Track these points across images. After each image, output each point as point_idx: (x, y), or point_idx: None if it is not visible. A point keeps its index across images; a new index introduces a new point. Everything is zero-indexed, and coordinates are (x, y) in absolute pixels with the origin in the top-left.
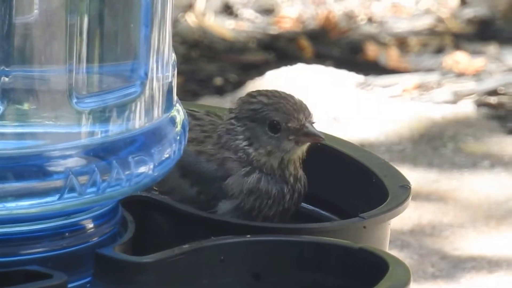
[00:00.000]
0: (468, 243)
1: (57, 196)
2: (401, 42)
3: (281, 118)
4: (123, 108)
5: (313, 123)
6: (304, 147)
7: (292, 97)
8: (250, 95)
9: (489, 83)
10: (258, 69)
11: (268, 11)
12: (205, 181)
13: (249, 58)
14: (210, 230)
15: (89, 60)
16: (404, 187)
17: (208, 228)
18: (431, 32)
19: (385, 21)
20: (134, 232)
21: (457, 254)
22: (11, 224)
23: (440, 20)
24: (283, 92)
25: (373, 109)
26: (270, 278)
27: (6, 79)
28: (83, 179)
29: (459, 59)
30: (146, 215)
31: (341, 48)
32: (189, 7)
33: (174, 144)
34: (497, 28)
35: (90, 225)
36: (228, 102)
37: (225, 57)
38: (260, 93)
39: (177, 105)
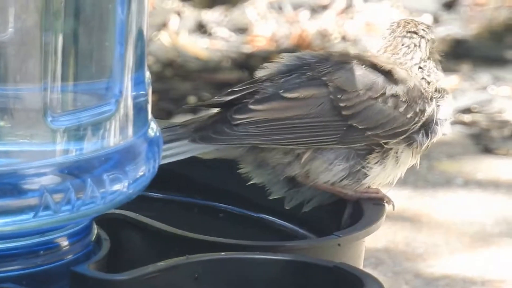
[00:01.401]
0: (442, 260)
1: (32, 214)
2: None
3: None
4: (97, 126)
5: None
6: None
7: None
8: None
9: (462, 101)
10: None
11: (241, 30)
12: None
13: (222, 77)
14: (185, 247)
15: (64, 78)
16: (378, 205)
17: (182, 246)
18: None
19: (358, 39)
20: (109, 249)
21: (431, 272)
22: None
23: None
24: None
25: None
26: None
27: None
28: (58, 197)
29: None
30: (121, 233)
31: None
32: (163, 26)
33: (148, 162)
34: (470, 46)
35: (64, 243)
36: None
37: (199, 76)
38: None
39: (152, 123)
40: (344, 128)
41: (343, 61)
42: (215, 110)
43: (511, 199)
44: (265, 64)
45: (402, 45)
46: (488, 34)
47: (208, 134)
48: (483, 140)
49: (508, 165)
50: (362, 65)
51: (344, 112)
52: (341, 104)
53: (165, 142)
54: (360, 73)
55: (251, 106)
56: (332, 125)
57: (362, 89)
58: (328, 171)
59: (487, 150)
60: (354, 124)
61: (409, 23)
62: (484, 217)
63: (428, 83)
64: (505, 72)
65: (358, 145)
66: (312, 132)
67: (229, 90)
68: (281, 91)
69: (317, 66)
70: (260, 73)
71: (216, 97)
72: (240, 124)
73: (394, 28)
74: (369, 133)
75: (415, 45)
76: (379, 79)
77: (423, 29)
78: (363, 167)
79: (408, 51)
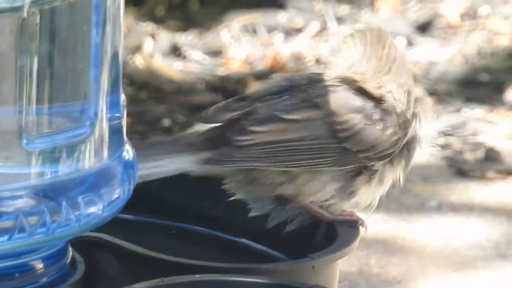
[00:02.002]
0: (416, 283)
1: (6, 237)
2: None
3: None
4: (72, 148)
5: None
6: None
7: None
8: None
9: (436, 124)
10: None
11: (216, 53)
12: None
13: (197, 99)
14: (160, 270)
15: (39, 101)
16: (353, 227)
17: (157, 268)
18: None
19: (332, 62)
20: (84, 272)
21: None
22: None
23: None
24: None
25: None
26: None
27: None
28: (32, 219)
29: None
30: (96, 255)
31: None
32: (137, 48)
33: (123, 185)
34: (443, 69)
35: (39, 265)
36: None
37: (173, 98)
38: None
39: (127, 145)
40: (340, 151)
41: (333, 84)
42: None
43: (484, 222)
44: (254, 84)
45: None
46: (461, 57)
47: (214, 156)
48: (456, 162)
49: (481, 188)
50: (352, 89)
51: (339, 135)
52: (337, 127)
53: (163, 156)
54: (350, 96)
55: (251, 128)
56: (329, 148)
57: (354, 112)
58: (320, 192)
59: (461, 172)
60: (348, 147)
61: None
62: (458, 241)
63: (409, 102)
64: (478, 95)
65: (350, 167)
66: (311, 154)
67: (216, 107)
68: (278, 112)
69: (308, 88)
70: (249, 92)
71: (206, 113)
72: (243, 147)
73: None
74: (361, 155)
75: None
76: (368, 104)
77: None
78: (352, 188)
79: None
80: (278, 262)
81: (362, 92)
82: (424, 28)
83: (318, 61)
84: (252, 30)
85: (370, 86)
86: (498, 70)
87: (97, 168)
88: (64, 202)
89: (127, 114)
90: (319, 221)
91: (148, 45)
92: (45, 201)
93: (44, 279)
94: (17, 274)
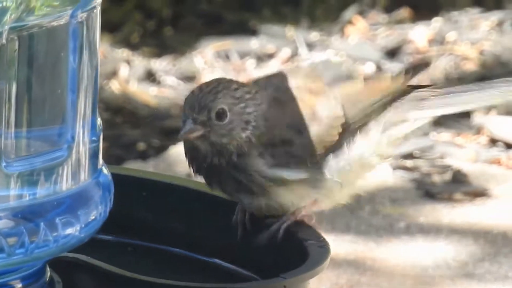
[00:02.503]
0: None
1: None
2: None
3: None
4: (50, 171)
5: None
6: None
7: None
8: None
9: (404, 148)
10: None
11: (189, 78)
12: None
13: (171, 123)
14: None
15: (17, 125)
16: (323, 247)
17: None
18: None
19: None
20: None
21: None
22: None
23: None
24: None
25: None
26: None
27: None
28: (11, 240)
29: None
30: (73, 275)
31: None
32: (113, 74)
33: (100, 206)
34: None
35: (18, 285)
36: (151, 166)
37: (148, 122)
38: None
39: (103, 168)
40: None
41: None
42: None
43: (451, 243)
44: None
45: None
46: (429, 81)
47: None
48: (425, 185)
49: (449, 210)
50: None
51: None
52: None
53: None
54: None
55: None
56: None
57: None
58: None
59: (429, 194)
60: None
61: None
62: (426, 261)
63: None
64: (445, 119)
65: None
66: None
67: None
68: None
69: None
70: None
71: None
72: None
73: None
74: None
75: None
76: None
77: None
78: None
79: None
80: (250, 282)
81: None
82: (393, 53)
83: None
84: (225, 56)
85: None
86: None
87: (74, 190)
88: (42, 224)
89: (104, 138)
90: (291, 241)
91: (123, 71)
92: (24, 222)
93: None
94: None
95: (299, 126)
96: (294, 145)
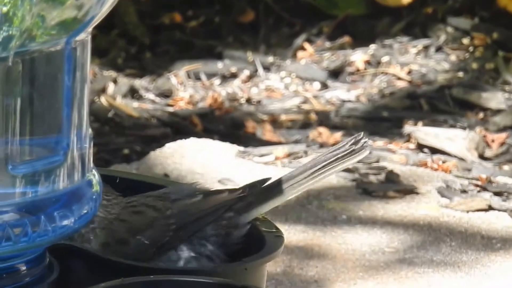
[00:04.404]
0: (330, 282)
1: None
2: (274, 119)
3: None
4: (49, 173)
5: None
6: None
7: None
8: None
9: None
10: (159, 142)
11: (166, 95)
12: None
13: (151, 132)
14: (121, 272)
15: (21, 134)
16: (278, 236)
17: (119, 270)
18: (299, 110)
19: (261, 101)
20: (59, 273)
21: None
22: None
23: (306, 100)
24: None
25: (251, 174)
26: None
27: None
28: (17, 230)
29: (321, 132)
30: (68, 260)
31: (226, 124)
32: (102, 91)
33: (91, 202)
34: (351, 107)
35: (23, 268)
36: (133, 168)
37: (131, 132)
38: None
39: (93, 170)
40: None
41: None
42: None
43: (385, 233)
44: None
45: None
46: (366, 97)
47: None
48: (363, 184)
49: (383, 204)
50: None
51: None
52: None
53: None
54: None
55: None
56: None
57: None
58: None
59: (366, 192)
60: None
61: None
62: (364, 247)
63: None
64: (380, 129)
65: None
66: None
67: None
68: None
69: None
70: None
71: None
72: None
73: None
74: None
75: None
76: None
77: None
78: None
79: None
80: (217, 264)
81: None
82: (336, 74)
83: (248, 101)
84: (195, 76)
85: None
86: (396, 108)
87: (69, 189)
88: (42, 217)
89: (94, 145)
90: (252, 231)
91: (110, 88)
92: (27, 215)
93: (27, 279)
94: (4, 275)
95: (136, 231)
96: (129, 245)
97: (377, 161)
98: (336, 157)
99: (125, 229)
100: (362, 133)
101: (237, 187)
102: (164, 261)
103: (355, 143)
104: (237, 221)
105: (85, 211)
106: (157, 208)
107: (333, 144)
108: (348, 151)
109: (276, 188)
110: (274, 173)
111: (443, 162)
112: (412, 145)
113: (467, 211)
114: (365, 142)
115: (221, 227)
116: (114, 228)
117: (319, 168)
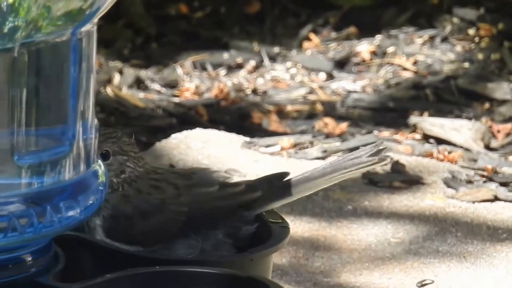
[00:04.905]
0: (336, 272)
1: (2, 235)
2: (280, 110)
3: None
4: (55, 163)
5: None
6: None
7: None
8: None
9: (351, 143)
10: (164, 132)
11: (171, 85)
12: None
13: (156, 123)
14: (127, 262)
15: (27, 124)
16: (284, 227)
17: (125, 261)
18: (305, 101)
19: (267, 92)
20: (65, 264)
21: (327, 281)
22: None
23: (311, 91)
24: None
25: (257, 164)
26: None
27: None
28: (23, 221)
29: (327, 123)
30: (74, 250)
31: (231, 114)
32: (108, 81)
33: (96, 193)
34: (357, 98)
35: (29, 258)
36: None
37: (137, 122)
38: None
39: (99, 161)
40: None
41: None
42: None
43: (391, 223)
44: None
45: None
46: (372, 87)
47: None
48: (369, 174)
49: (388, 195)
50: None
51: None
52: None
53: None
54: None
55: None
56: None
57: None
58: None
59: (372, 182)
60: None
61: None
62: (369, 238)
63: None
64: (386, 119)
65: None
66: None
67: None
68: None
69: None
70: None
71: None
72: None
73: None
74: None
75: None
76: None
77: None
78: None
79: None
80: (223, 255)
81: None
82: (342, 64)
83: (254, 91)
84: (201, 67)
85: None
86: (402, 99)
87: (75, 179)
88: (48, 207)
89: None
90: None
91: (116, 79)
92: (33, 206)
93: (33, 269)
94: (10, 265)
95: (144, 211)
96: (135, 228)
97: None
98: (356, 167)
99: (132, 208)
100: (383, 142)
101: (253, 180)
102: (170, 249)
103: (376, 153)
104: (249, 217)
105: (91, 202)
106: (177, 187)
107: (339, 135)
108: (368, 163)
109: (293, 187)
110: (280, 164)
111: (449, 152)
112: (418, 136)
113: (473, 202)
114: (385, 150)
115: (232, 222)
116: (128, 193)
117: (338, 175)
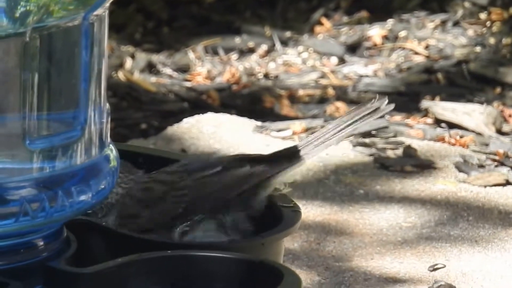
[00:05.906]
0: (348, 256)
1: (13, 220)
2: (292, 94)
3: None
4: (66, 148)
5: None
6: None
7: None
8: None
9: (364, 127)
10: (176, 117)
11: (183, 70)
12: None
13: (168, 107)
14: (138, 247)
15: (39, 109)
16: (296, 211)
17: (136, 246)
18: (316, 85)
19: (278, 76)
20: (76, 248)
21: (338, 265)
22: None
23: (323, 75)
24: None
25: (269, 148)
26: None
27: None
28: (34, 205)
29: (339, 107)
30: (86, 235)
31: (243, 99)
32: (120, 66)
33: (108, 177)
34: (369, 82)
35: (40, 243)
36: (151, 143)
37: (149, 107)
38: None
39: (111, 145)
40: None
41: None
42: None
43: (403, 207)
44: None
45: None
46: (383, 71)
47: None
48: (380, 158)
49: (400, 179)
50: None
51: None
52: None
53: None
54: None
55: None
56: None
57: None
58: None
59: (384, 167)
60: None
61: None
62: (381, 222)
63: None
64: (397, 103)
65: None
66: None
67: None
68: None
69: None
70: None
71: None
72: None
73: None
74: None
75: None
76: None
77: None
78: None
79: None
80: (234, 239)
81: None
82: (354, 48)
83: (266, 76)
84: (212, 51)
85: None
86: (414, 83)
87: (87, 163)
88: (60, 192)
89: (111, 120)
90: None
91: (128, 63)
92: (45, 190)
93: (44, 254)
94: (22, 250)
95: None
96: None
97: (395, 136)
98: (359, 116)
99: (134, 204)
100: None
101: (257, 156)
102: (181, 234)
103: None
104: (258, 195)
105: (103, 186)
106: (166, 183)
107: None
108: (371, 109)
109: (301, 152)
110: None
111: (461, 137)
112: (429, 120)
113: (485, 186)
114: (384, 101)
115: (241, 201)
116: (126, 202)
117: (342, 128)
